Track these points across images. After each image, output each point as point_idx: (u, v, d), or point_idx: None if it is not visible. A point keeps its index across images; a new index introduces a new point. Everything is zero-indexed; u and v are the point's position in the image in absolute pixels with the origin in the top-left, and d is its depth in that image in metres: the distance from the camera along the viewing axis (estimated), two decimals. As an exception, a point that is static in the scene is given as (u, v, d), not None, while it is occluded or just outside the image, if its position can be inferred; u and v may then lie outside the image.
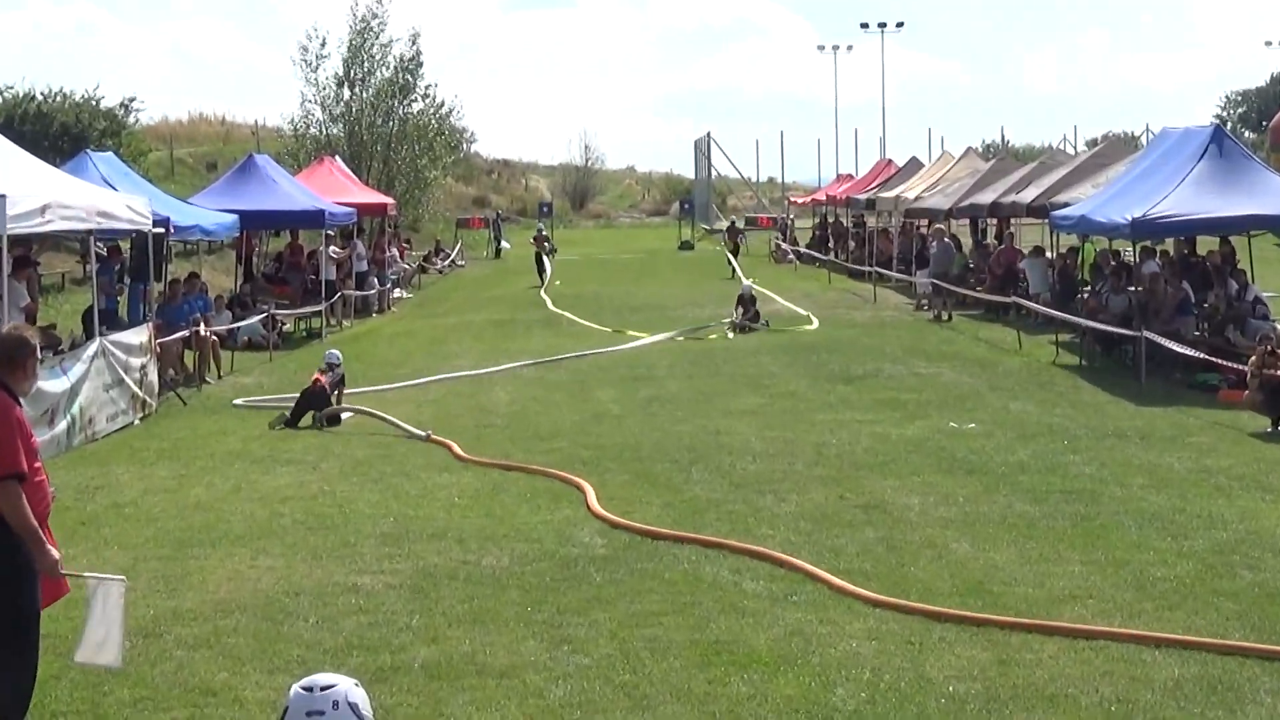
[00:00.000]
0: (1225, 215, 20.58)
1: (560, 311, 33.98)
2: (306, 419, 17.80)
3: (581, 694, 7.83)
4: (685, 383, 21.24)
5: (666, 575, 10.34)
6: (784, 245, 54.98)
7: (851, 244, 48.81)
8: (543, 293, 38.54)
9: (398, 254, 43.08)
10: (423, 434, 16.57)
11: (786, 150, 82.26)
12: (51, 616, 7.83)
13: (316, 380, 18.26)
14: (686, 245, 63.94)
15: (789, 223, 61.02)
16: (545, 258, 47.89)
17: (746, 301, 29.25)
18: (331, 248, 32.27)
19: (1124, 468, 14.10)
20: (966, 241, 39.36)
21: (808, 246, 54.40)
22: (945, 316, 30.51)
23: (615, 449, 15.59)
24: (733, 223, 58.43)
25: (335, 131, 54.47)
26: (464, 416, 18.47)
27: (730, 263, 50.41)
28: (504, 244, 62.79)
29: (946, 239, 33.10)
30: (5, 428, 6.95)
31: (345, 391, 19.11)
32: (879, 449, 15.28)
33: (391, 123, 54.84)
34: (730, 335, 28.20)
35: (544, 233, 52.64)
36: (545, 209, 65.57)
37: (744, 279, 30.51)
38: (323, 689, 4.11)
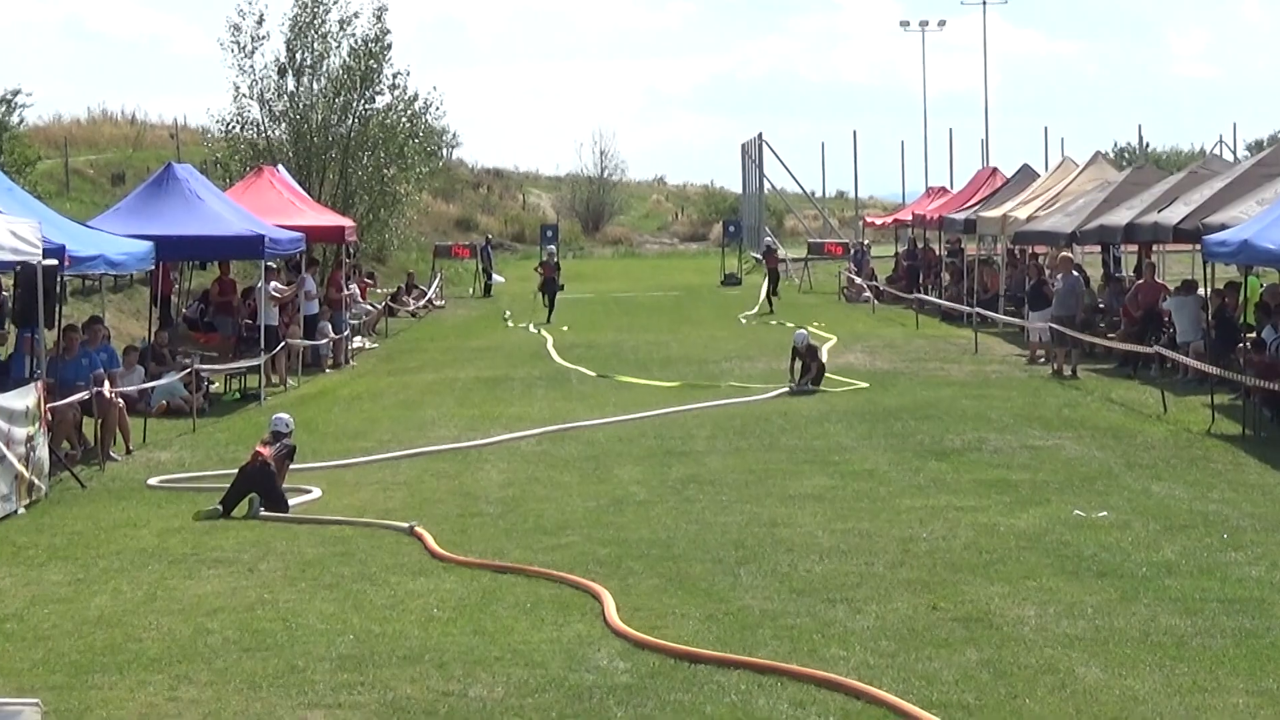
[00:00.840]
0: None
1: (570, 366, 34.09)
2: (243, 506, 17.87)
3: None
4: (731, 458, 21.26)
5: (708, 710, 10.34)
6: (858, 279, 55.13)
7: (945, 277, 48.89)
8: (549, 346, 38.58)
9: (358, 292, 43.33)
10: (404, 526, 16.64)
11: (861, 156, 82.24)
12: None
13: (258, 454, 18.33)
14: (732, 279, 64.19)
15: (864, 250, 61.17)
16: (554, 289, 48.68)
17: (803, 354, 29.33)
18: (273, 284, 32.47)
19: (1303, 569, 14.06)
20: (1095, 274, 39.38)
21: (888, 281, 54.51)
22: (1068, 371, 30.50)
23: (641, 545, 15.62)
24: (769, 245, 59.51)
25: (277, 133, 54.91)
26: (445, 503, 18.51)
27: (763, 295, 51.64)
28: (495, 278, 63.14)
29: (1073, 271, 33.06)
30: None
31: (291, 468, 19.18)
32: (982, 545, 15.28)
33: (350, 122, 55.27)
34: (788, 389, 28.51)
35: (556, 258, 53.16)
36: (549, 233, 65.85)
37: (798, 328, 30.54)
38: None
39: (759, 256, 64.25)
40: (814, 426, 24.06)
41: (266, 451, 18.33)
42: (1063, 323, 31.15)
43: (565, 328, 44.02)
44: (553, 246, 58.05)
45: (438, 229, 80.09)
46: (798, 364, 29.29)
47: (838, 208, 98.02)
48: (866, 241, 64.81)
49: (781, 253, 62.32)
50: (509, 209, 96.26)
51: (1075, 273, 33.04)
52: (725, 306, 52.82)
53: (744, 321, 46.57)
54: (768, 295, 51.88)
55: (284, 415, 19.46)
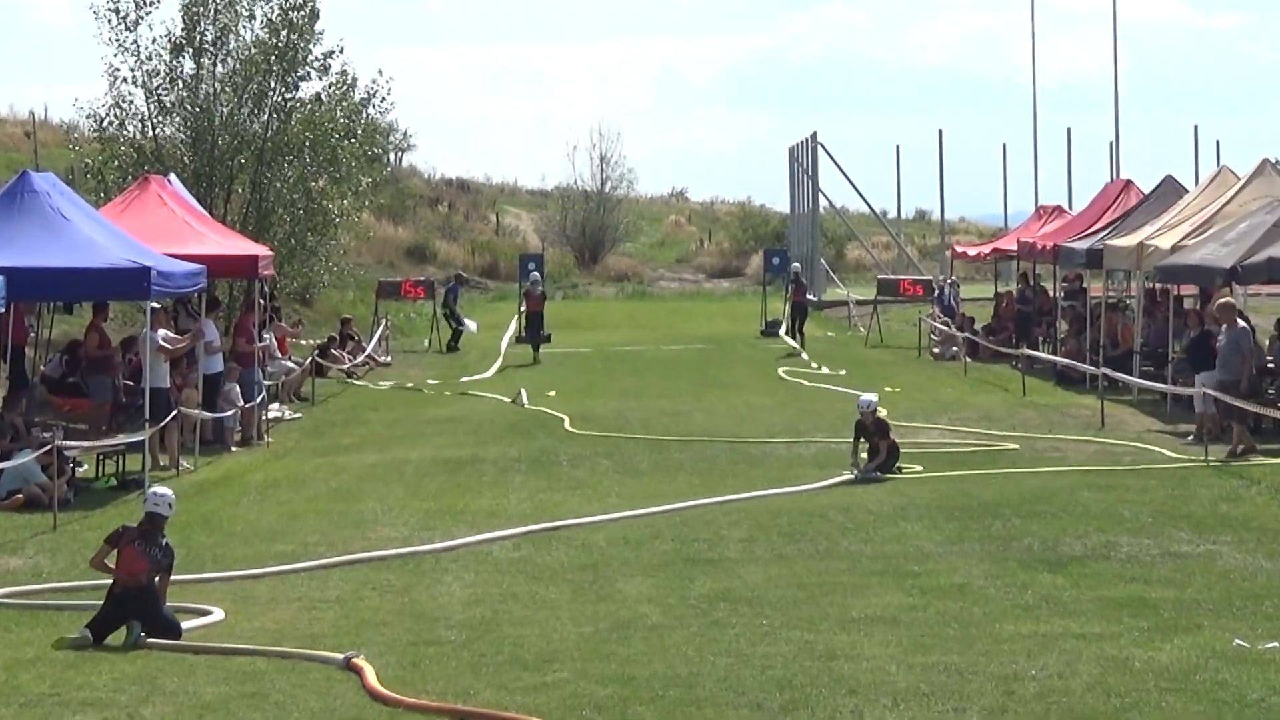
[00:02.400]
0: None
1: (559, 441, 34.09)
2: (120, 631, 17.86)
3: None
4: (775, 568, 21.26)
5: None
6: (946, 327, 55.14)
7: (1062, 326, 48.87)
8: (521, 398, 38.60)
9: (276, 343, 43.35)
10: (338, 658, 16.65)
11: (949, 164, 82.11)
12: None
13: (134, 572, 18.13)
14: (776, 328, 64.31)
15: (953, 289, 61.28)
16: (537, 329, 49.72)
17: (870, 429, 29.29)
18: (161, 332, 32.50)
19: None
20: (1263, 324, 39.34)
21: (986, 331, 54.53)
22: (1233, 451, 30.44)
23: (653, 684, 15.63)
24: (796, 274, 61.06)
25: (170, 131, 54.99)
26: (391, 626, 18.52)
27: (793, 334, 53.83)
28: (467, 323, 62.83)
29: (1238, 321, 33.01)
30: None
31: (186, 578, 19.15)
32: (1111, 685, 15.27)
33: (266, 116, 55.39)
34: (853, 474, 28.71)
35: (540, 288, 54.26)
36: (531, 265, 65.94)
37: (863, 395, 30.69)
38: None
39: (850, 302, 66.50)
40: (886, 526, 24.08)
41: (142, 566, 18.18)
42: (1226, 389, 31.09)
43: (551, 393, 44.03)
44: (537, 274, 58.98)
45: (382, 260, 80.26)
46: (863, 443, 29.28)
47: (917, 233, 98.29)
48: (955, 278, 64.88)
49: (845, 295, 63.76)
50: (478, 233, 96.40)
51: (1240, 322, 32.88)
52: (767, 364, 52.80)
53: (814, 366, 46.70)
54: (796, 330, 54.19)
55: (163, 490, 19.24)
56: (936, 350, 54.76)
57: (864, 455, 29.17)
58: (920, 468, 29.48)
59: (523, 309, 57.39)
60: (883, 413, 30.12)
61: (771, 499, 26.96)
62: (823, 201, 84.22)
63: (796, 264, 65.64)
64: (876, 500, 26.47)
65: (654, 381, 47.86)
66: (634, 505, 26.30)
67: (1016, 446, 32.34)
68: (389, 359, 55.91)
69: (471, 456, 32.70)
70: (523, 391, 43.34)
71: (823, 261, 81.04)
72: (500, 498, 27.69)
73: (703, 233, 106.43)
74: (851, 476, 28.69)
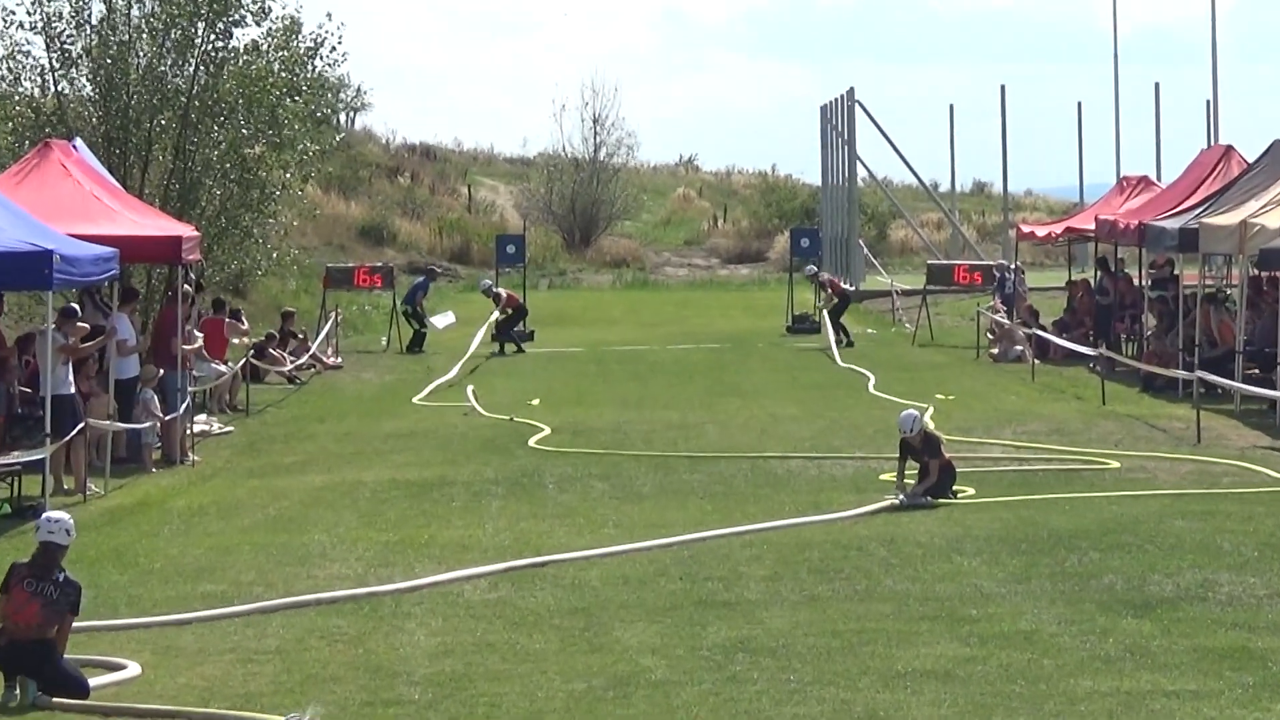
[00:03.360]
0: None
1: (543, 460, 34.13)
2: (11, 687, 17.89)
3: None
4: (803, 612, 21.27)
5: None
6: (1008, 321, 55.06)
7: (1149, 321, 48.79)
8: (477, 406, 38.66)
9: (202, 341, 43.34)
10: (280, 722, 16.71)
11: (1013, 127, 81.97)
12: None
13: (17, 608, 18.10)
14: (804, 324, 64.39)
15: (1017, 277, 61.24)
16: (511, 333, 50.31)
17: (917, 448, 29.25)
18: (64, 329, 32.49)
19: None
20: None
21: (1058, 326, 54.45)
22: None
23: (657, 752, 15.62)
24: (816, 271, 63.68)
25: (75, 88, 54.95)
26: (343, 682, 18.53)
27: (829, 337, 55.95)
28: (435, 321, 62.78)
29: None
30: None
31: (89, 624, 19.13)
32: (1211, 755, 15.27)
33: (192, 69, 55.30)
34: (897, 499, 28.73)
35: (495, 288, 55.93)
36: (510, 250, 65.91)
37: (904, 411, 30.77)
38: None
39: (895, 290, 67.56)
40: (937, 561, 24.10)
41: (33, 610, 18.10)
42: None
43: (535, 401, 44.05)
44: (488, 281, 60.69)
45: (331, 242, 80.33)
46: (909, 464, 29.25)
47: (975, 209, 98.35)
48: (1019, 264, 64.85)
49: (889, 283, 64.34)
50: (446, 210, 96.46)
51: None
52: (795, 367, 52.89)
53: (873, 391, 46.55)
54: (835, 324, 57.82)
55: (58, 515, 18.98)
56: (995, 351, 54.63)
57: (909, 480, 29.17)
58: (972, 490, 29.49)
59: (509, 310, 58.16)
60: (932, 425, 30.12)
61: (799, 529, 26.98)
62: (861, 171, 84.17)
63: (812, 265, 65.52)
64: (926, 530, 26.50)
65: (658, 388, 47.94)
66: (634, 537, 26.33)
67: (1117, 465, 32.27)
68: (339, 360, 55.86)
69: (439, 478, 32.70)
70: (470, 391, 43.93)
71: (861, 244, 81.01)
72: (473, 528, 27.71)
73: (717, 209, 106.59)
74: (896, 502, 28.72)
